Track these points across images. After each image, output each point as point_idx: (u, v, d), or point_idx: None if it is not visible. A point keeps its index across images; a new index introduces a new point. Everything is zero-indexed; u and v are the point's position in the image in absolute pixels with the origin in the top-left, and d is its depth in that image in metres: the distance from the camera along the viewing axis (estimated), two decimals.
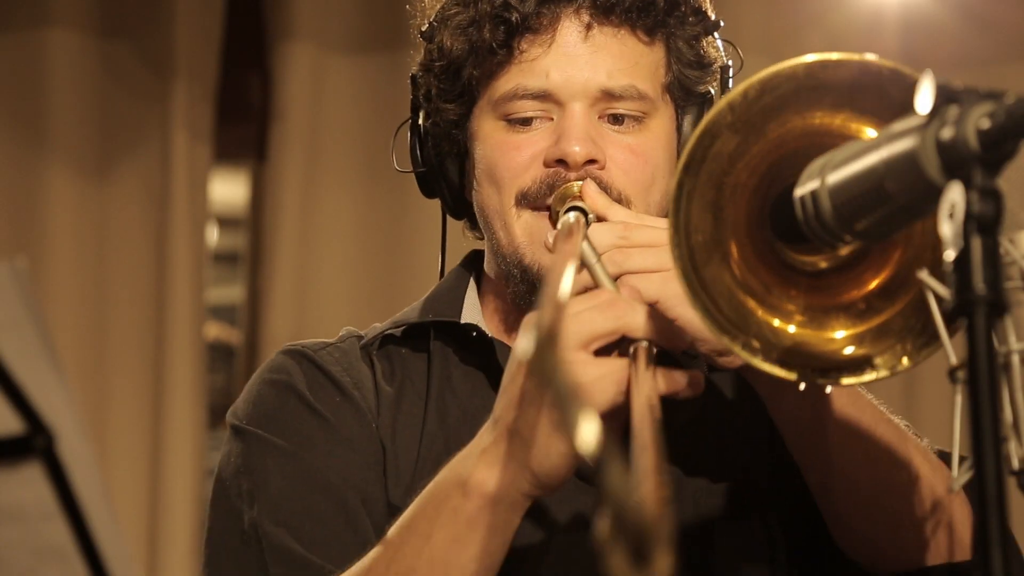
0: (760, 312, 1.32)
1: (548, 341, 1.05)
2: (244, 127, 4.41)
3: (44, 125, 4.11)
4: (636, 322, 1.37)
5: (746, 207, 1.31)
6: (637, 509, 0.88)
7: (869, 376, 1.31)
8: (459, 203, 1.75)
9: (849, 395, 1.50)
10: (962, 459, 1.14)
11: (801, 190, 1.20)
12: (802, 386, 1.31)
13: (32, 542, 1.03)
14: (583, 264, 1.46)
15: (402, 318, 1.75)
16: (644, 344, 1.37)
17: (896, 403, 4.03)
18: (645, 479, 1.06)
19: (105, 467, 3.98)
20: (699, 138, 1.28)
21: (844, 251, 1.32)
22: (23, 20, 4.12)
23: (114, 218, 4.19)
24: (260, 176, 4.41)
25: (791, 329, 1.32)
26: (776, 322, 1.32)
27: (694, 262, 1.29)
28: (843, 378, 1.32)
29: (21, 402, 0.99)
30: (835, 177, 1.16)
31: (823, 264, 1.34)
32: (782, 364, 1.30)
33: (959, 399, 1.08)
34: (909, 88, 1.16)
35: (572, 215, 1.55)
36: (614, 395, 1.34)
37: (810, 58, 1.25)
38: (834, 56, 1.24)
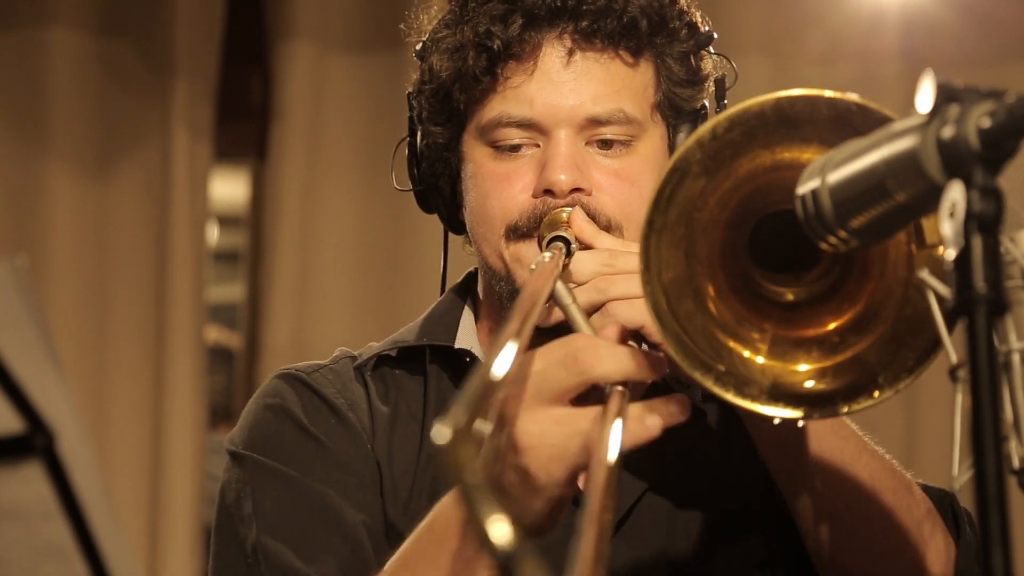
0: (732, 344, 1.32)
1: (462, 437, 0.99)
2: (244, 126, 4.41)
3: (44, 124, 4.11)
4: (602, 370, 1.31)
5: (719, 241, 1.32)
6: None
7: (843, 409, 1.31)
8: (455, 221, 1.75)
9: (832, 425, 1.50)
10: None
11: (801, 189, 1.20)
12: (776, 421, 1.31)
13: (32, 541, 1.03)
14: (558, 305, 1.45)
15: (398, 339, 1.75)
16: (619, 389, 1.31)
17: (896, 403, 4.06)
18: (583, 566, 1.04)
19: (105, 467, 3.98)
20: (668, 175, 1.28)
21: (819, 283, 1.34)
22: (23, 19, 4.12)
23: (114, 217, 4.19)
24: (260, 175, 4.42)
25: (760, 360, 1.32)
26: (747, 354, 1.32)
27: (667, 297, 1.30)
28: (813, 412, 1.32)
29: (21, 401, 0.99)
30: (836, 176, 1.16)
31: (797, 296, 1.35)
32: (752, 398, 1.31)
33: (959, 398, 1.08)
34: (876, 123, 1.17)
35: (547, 255, 1.51)
36: (580, 457, 1.28)
37: (778, 95, 1.26)
38: (801, 92, 1.26)
